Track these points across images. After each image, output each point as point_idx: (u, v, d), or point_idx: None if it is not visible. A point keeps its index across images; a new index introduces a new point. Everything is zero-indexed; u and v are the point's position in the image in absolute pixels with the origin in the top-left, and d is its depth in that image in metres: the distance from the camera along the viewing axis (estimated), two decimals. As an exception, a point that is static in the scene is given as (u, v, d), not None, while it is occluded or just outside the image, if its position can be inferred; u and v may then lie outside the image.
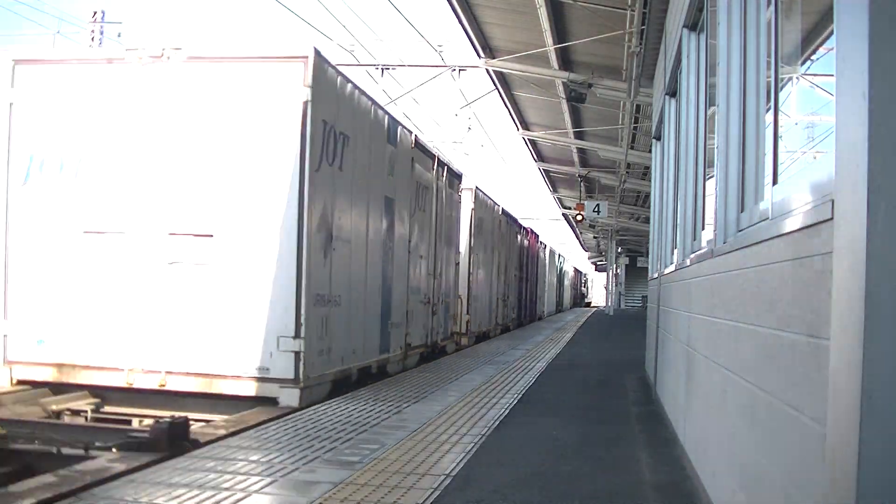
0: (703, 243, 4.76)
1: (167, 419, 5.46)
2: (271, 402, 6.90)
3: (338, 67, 8.23)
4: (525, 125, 19.27)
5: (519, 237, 23.56)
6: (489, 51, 13.49)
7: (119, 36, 21.99)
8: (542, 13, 10.94)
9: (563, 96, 14.59)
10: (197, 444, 5.21)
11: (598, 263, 64.83)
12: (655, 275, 9.03)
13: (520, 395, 7.94)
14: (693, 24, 5.71)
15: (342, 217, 7.94)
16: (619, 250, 41.67)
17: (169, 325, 7.08)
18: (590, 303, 73.30)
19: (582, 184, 24.68)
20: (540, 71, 13.53)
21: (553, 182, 29.55)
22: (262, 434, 5.50)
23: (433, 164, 12.13)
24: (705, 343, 4.27)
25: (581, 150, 21.26)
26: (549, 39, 12.02)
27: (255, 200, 7.08)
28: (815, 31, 2.99)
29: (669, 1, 7.63)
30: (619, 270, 43.26)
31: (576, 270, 61.68)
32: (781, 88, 2.94)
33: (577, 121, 17.81)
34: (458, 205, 14.50)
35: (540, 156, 23.62)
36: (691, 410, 4.83)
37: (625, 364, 11.72)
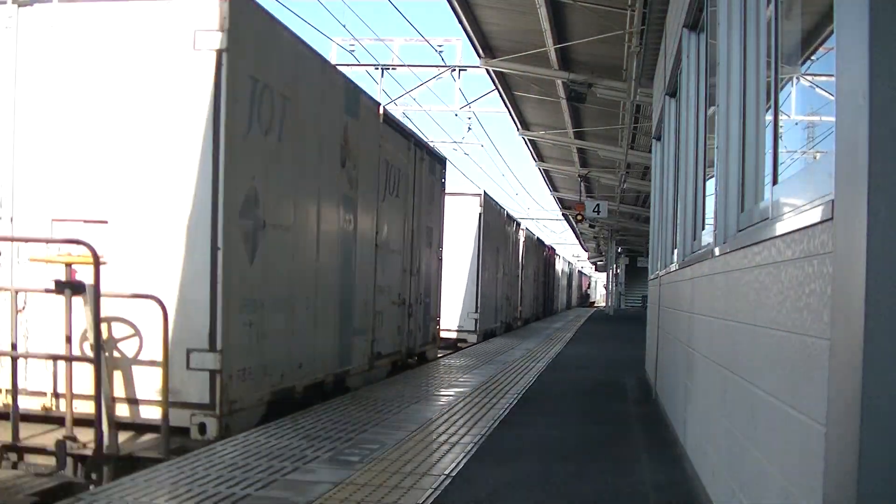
0: (703, 243, 4.76)
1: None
2: (462, 341, 15.96)
3: (490, 196, 17.90)
4: (525, 125, 19.28)
5: (544, 253, 33.56)
6: (489, 51, 13.50)
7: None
8: (542, 13, 10.95)
9: (563, 96, 14.60)
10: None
11: (598, 263, 65.11)
12: (655, 275, 9.03)
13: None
14: (693, 24, 5.71)
15: (488, 260, 17.48)
16: (619, 250, 41.64)
17: None
18: (593, 302, 78.07)
19: (582, 184, 24.69)
20: (540, 71, 13.53)
21: (553, 182, 29.57)
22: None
23: (513, 223, 22.60)
24: (705, 343, 4.27)
25: (581, 150, 21.27)
26: (549, 39, 12.02)
27: (461, 258, 16.01)
28: (815, 31, 2.99)
29: (669, 1, 7.63)
30: (619, 270, 43.26)
31: (581, 274, 72.87)
32: (781, 88, 2.94)
33: (577, 121, 17.81)
34: (519, 241, 24.02)
35: (540, 156, 23.63)
36: (691, 411, 4.83)
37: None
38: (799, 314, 2.20)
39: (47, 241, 5.41)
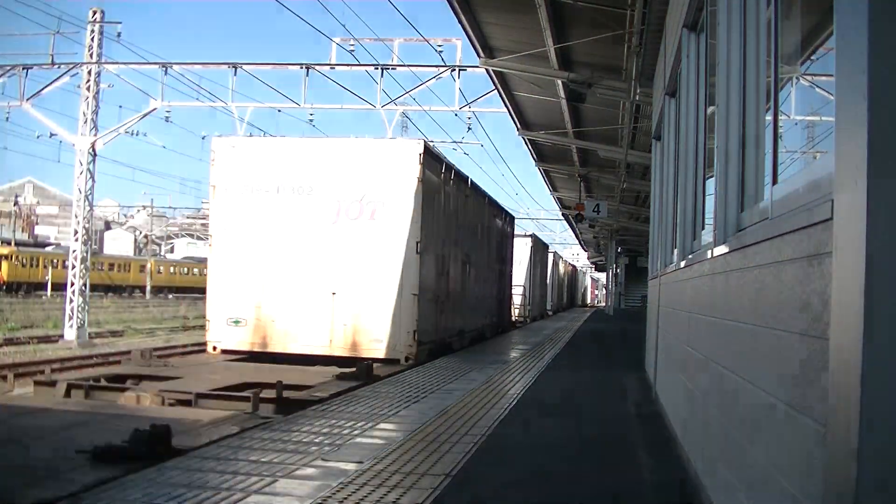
0: (703, 243, 4.76)
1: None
2: (547, 314, 38.19)
3: (559, 255, 52.28)
4: (525, 125, 19.26)
5: (570, 269, 55.29)
6: (489, 51, 13.48)
7: (119, 36, 21.86)
8: (542, 13, 10.93)
9: (563, 96, 14.58)
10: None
11: (598, 263, 65.35)
12: (655, 274, 9.03)
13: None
14: (693, 24, 5.71)
15: (555, 278, 42.94)
16: (619, 250, 41.63)
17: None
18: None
19: (582, 184, 24.68)
20: (540, 71, 13.52)
21: (553, 182, 29.56)
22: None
23: (564, 262, 53.15)
24: (705, 343, 4.27)
25: (581, 150, 21.26)
26: (548, 39, 12.01)
27: (548, 280, 40.99)
28: (815, 30, 2.99)
29: (669, 1, 7.63)
30: (618, 270, 43.26)
31: (592, 280, 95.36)
32: (781, 88, 2.94)
33: (577, 121, 17.80)
34: (564, 267, 51.56)
35: (540, 156, 23.62)
36: (691, 410, 4.83)
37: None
38: (799, 314, 2.20)
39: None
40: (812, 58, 3.36)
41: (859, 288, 1.64)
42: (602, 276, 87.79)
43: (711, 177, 4.20)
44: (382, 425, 6.05)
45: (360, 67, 19.70)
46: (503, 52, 13.44)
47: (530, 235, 30.68)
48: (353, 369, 10.42)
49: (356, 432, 5.67)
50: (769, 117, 3.04)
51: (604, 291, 79.04)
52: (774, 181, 2.81)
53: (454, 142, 25.90)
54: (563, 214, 39.70)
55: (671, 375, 6.40)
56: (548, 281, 38.94)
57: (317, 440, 5.38)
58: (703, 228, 5.19)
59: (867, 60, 1.64)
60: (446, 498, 4.08)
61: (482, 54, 13.45)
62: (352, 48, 19.51)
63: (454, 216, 15.30)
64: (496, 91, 16.31)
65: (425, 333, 12.92)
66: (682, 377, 5.43)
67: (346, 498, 3.98)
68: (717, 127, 3.80)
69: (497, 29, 12.69)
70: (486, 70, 14.36)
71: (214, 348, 12.47)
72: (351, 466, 4.65)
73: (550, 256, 40.24)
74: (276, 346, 12.12)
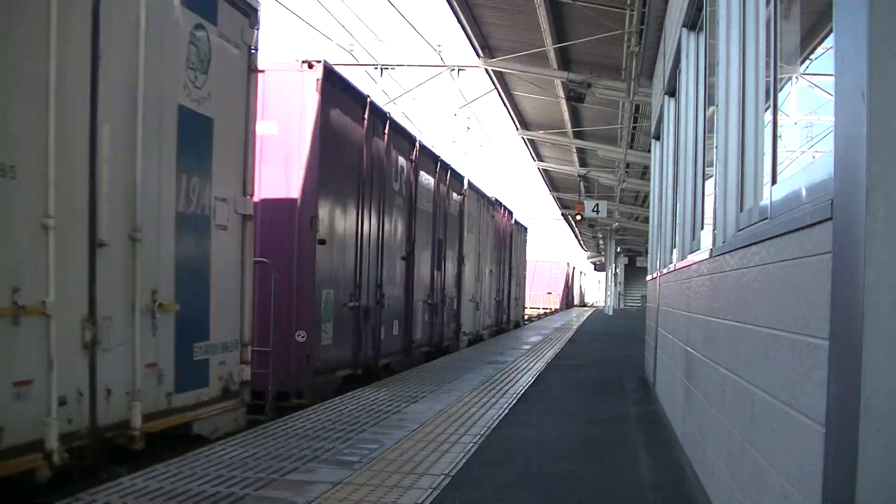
0: (702, 243, 4.76)
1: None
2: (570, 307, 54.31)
3: (573, 265, 67.47)
4: (525, 125, 19.27)
5: (579, 276, 68.30)
6: (489, 50, 13.50)
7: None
8: (542, 13, 10.94)
9: (563, 96, 14.59)
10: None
11: (598, 263, 65.76)
12: (655, 274, 9.03)
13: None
14: (692, 24, 5.71)
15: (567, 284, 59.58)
16: (619, 250, 41.68)
17: None
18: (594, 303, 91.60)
19: (581, 183, 24.69)
20: (539, 71, 13.53)
21: (553, 182, 29.57)
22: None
23: (574, 268, 63.22)
24: (704, 343, 4.27)
25: (580, 150, 21.27)
26: (548, 39, 12.02)
27: (560, 286, 56.45)
28: (815, 30, 2.99)
29: (668, 0, 7.63)
30: (618, 270, 43.29)
31: (591, 280, 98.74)
32: (781, 88, 2.94)
33: (576, 120, 17.81)
34: (570, 271, 59.95)
35: (539, 155, 23.63)
36: (690, 411, 4.83)
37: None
38: (798, 314, 2.20)
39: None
40: (812, 57, 3.36)
41: (858, 288, 1.64)
42: (602, 276, 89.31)
43: (710, 176, 4.20)
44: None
45: (359, 67, 19.69)
46: (503, 51, 13.45)
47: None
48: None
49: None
50: (769, 117, 3.04)
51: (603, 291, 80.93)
52: (774, 181, 2.81)
53: (453, 141, 25.90)
54: (562, 214, 39.73)
55: (670, 376, 6.40)
56: (571, 287, 51.85)
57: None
58: (702, 228, 5.19)
59: (866, 60, 1.64)
60: (445, 498, 4.08)
61: (482, 54, 13.46)
62: (351, 48, 19.51)
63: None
64: (495, 91, 16.32)
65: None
66: (681, 377, 5.43)
67: (344, 498, 3.98)
68: (716, 127, 3.80)
69: (497, 29, 12.70)
70: (486, 70, 14.37)
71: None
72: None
73: (572, 275, 52.93)
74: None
